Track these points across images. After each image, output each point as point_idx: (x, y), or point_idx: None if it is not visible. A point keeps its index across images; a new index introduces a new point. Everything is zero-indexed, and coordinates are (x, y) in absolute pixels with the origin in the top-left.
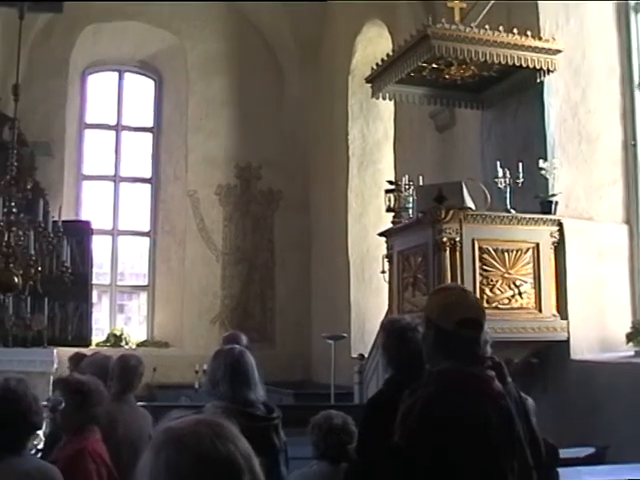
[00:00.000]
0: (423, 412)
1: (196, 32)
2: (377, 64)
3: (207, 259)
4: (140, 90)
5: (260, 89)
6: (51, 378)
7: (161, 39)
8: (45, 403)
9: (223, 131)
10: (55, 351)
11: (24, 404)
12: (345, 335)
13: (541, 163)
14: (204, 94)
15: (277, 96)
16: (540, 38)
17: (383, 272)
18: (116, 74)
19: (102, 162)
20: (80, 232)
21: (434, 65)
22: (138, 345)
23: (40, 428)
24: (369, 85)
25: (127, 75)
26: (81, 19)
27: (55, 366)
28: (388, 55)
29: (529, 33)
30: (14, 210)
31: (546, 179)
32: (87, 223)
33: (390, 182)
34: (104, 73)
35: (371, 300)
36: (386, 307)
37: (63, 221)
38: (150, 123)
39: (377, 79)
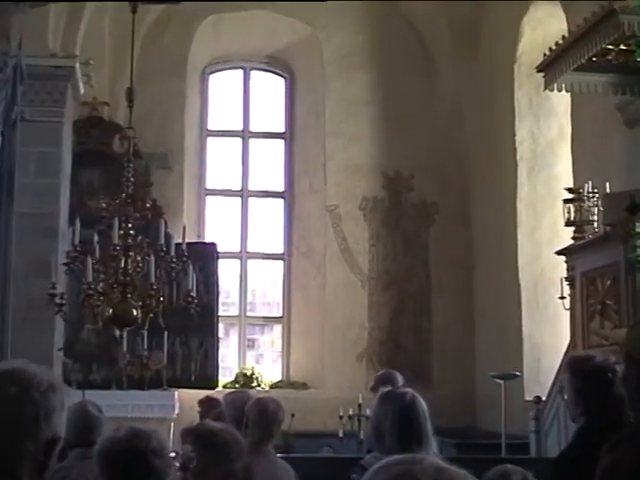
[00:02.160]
0: (634, 471)
1: (332, 21)
2: (550, 49)
3: (351, 285)
4: (269, 90)
5: (408, 85)
6: (172, 425)
7: (292, 30)
8: (173, 455)
9: (367, 135)
10: (176, 394)
11: (146, 446)
12: (518, 374)
13: None
14: (343, 92)
15: (429, 92)
16: None
17: (562, 298)
18: (241, 72)
19: (227, 174)
20: (204, 256)
21: (622, 46)
22: (272, 387)
23: None
24: (541, 75)
25: (254, 73)
26: (199, 10)
27: (176, 411)
28: (563, 37)
29: None
30: (131, 232)
31: None
32: (212, 245)
33: (569, 190)
34: (227, 71)
35: (548, 332)
36: (567, 340)
37: (187, 244)
38: (282, 128)
39: (550, 67)
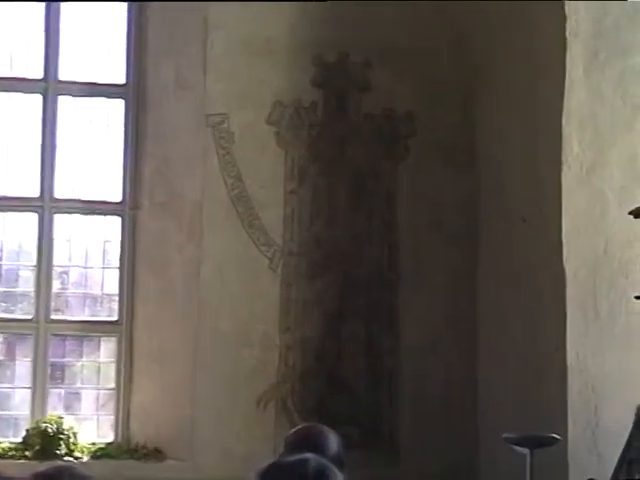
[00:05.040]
0: None
1: None
2: None
3: (250, 263)
4: None
5: None
6: None
7: None
8: None
9: None
10: None
11: None
12: (557, 437)
13: None
14: None
15: None
16: None
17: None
18: None
19: (19, 57)
20: None
21: None
22: (94, 455)
23: None
24: None
25: None
26: None
27: None
28: None
29: None
30: None
31: None
32: None
33: None
34: None
35: (613, 356)
36: None
37: None
38: None
39: None
